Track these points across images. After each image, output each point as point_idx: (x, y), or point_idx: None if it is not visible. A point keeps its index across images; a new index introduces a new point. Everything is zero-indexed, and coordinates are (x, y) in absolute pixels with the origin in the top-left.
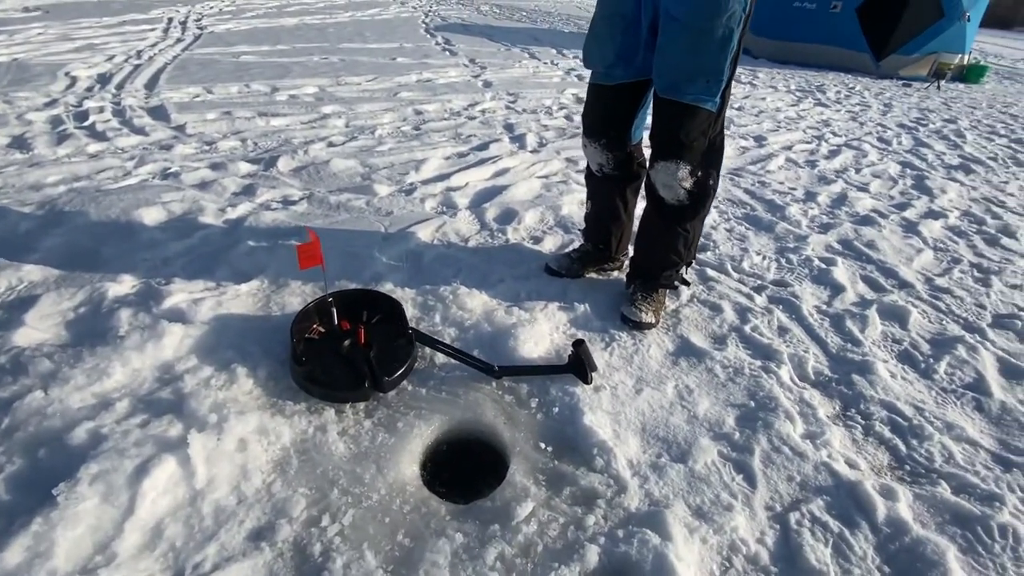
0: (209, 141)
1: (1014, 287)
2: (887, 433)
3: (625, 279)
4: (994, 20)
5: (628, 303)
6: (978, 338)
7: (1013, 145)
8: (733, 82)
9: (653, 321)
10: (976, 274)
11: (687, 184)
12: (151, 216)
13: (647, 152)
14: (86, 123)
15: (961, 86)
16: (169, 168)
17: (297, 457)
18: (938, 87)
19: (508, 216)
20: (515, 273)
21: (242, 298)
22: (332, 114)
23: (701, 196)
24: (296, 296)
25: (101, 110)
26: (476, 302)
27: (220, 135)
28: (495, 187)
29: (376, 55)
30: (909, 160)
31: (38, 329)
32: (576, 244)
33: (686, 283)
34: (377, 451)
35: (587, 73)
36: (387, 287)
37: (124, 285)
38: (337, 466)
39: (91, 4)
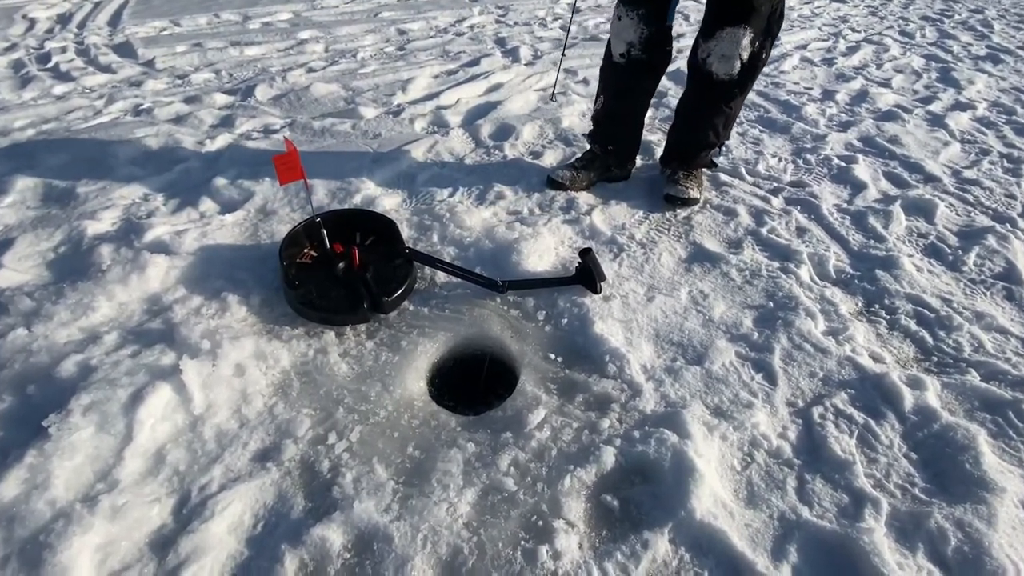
0: (181, 75)
1: None
2: (913, 326)
3: (660, 163)
4: None
5: (671, 183)
6: (1008, 227)
7: None
8: None
9: (699, 197)
10: (1006, 164)
11: (746, 54)
12: (126, 152)
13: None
14: (49, 65)
15: None
16: (141, 104)
17: (298, 379)
18: None
19: (505, 132)
20: (515, 189)
21: (228, 228)
22: (309, 39)
23: (753, 70)
24: (285, 223)
25: (64, 50)
26: (475, 219)
27: (192, 68)
28: (489, 103)
29: None
30: (934, 53)
31: (17, 271)
32: (579, 154)
33: (715, 165)
34: (382, 369)
35: None
36: (380, 208)
37: (103, 222)
38: (341, 386)
39: None
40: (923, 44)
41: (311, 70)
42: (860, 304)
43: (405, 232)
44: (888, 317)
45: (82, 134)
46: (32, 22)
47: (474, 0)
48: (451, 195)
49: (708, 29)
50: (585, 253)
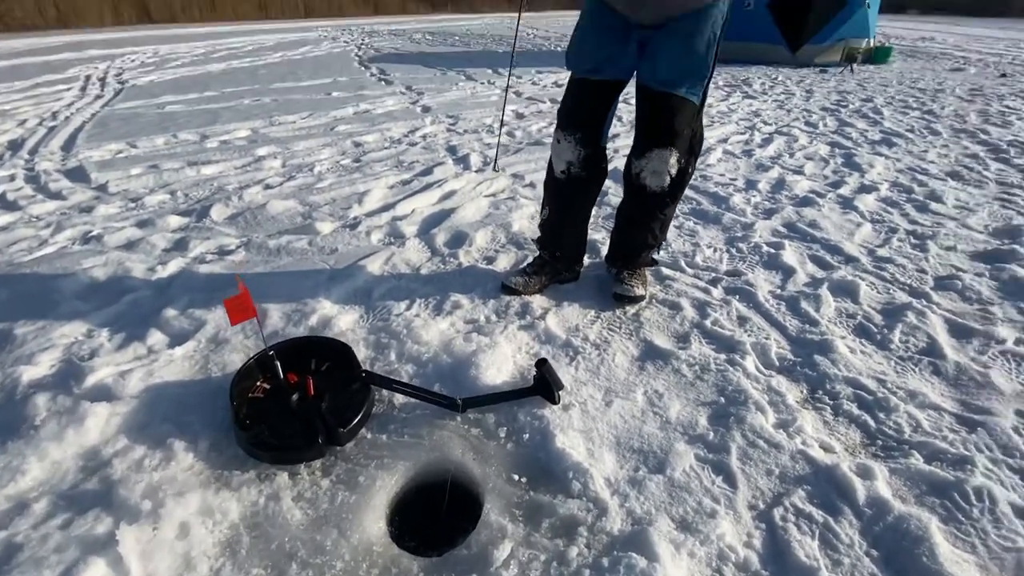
0: (134, 198)
1: (948, 248)
2: (855, 410)
3: (606, 262)
4: (888, 7)
5: (618, 282)
6: (924, 302)
7: (926, 116)
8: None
9: (645, 293)
10: (913, 240)
11: (674, 170)
12: (71, 286)
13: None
14: None
15: (872, 67)
16: (91, 232)
17: (248, 534)
18: (852, 70)
19: (459, 239)
20: (471, 297)
21: (177, 363)
22: (267, 155)
23: (681, 183)
24: (238, 353)
25: (12, 178)
26: (432, 333)
27: (146, 190)
28: (443, 211)
29: (310, 92)
30: (836, 140)
31: None
32: (530, 259)
33: (656, 262)
34: (338, 513)
35: (525, 90)
36: (336, 330)
37: (41, 366)
38: (295, 536)
39: (2, 70)
40: (826, 133)
41: (268, 187)
42: (804, 391)
43: (362, 352)
44: (831, 403)
45: (24, 268)
46: None
47: (425, 111)
48: (408, 308)
49: (639, 149)
50: (541, 364)
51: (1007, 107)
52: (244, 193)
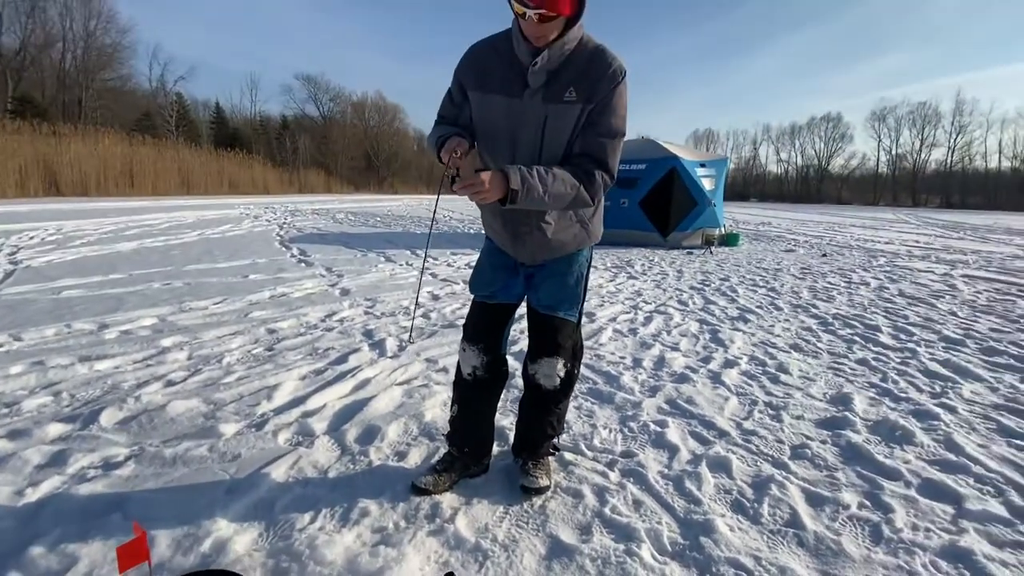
0: (10, 403)
1: (798, 418)
2: None
3: (512, 454)
4: (734, 195)
5: (524, 474)
6: (784, 472)
7: (770, 293)
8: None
9: (549, 484)
10: (770, 412)
11: (562, 373)
12: None
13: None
14: None
15: (727, 249)
16: None
17: None
18: (711, 252)
19: (370, 434)
20: (380, 501)
21: None
22: (172, 347)
23: (569, 382)
24: None
25: None
26: (337, 551)
27: (26, 392)
28: (355, 402)
29: (226, 274)
30: (704, 317)
31: None
32: (440, 452)
33: (558, 450)
34: None
35: (441, 271)
36: (232, 556)
37: None
38: None
39: None
40: (695, 310)
41: (170, 383)
42: None
43: None
44: None
45: None
46: None
47: (344, 294)
48: (312, 520)
49: (532, 355)
50: None
51: (829, 283)
52: (141, 393)
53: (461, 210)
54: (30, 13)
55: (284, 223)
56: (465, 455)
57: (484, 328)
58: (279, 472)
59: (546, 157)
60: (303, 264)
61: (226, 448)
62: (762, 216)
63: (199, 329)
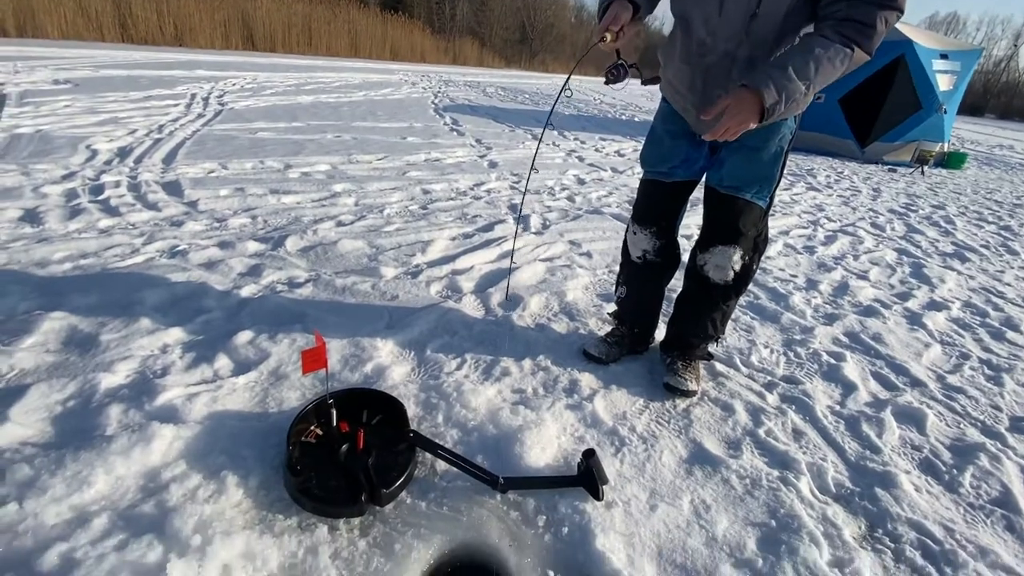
0: (220, 218)
1: None
2: (919, 559)
3: (660, 349)
4: (964, 108)
5: (671, 373)
6: (999, 445)
7: (1002, 232)
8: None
9: (697, 389)
10: (987, 371)
11: (738, 266)
12: (154, 298)
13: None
14: (100, 197)
15: (944, 171)
16: (178, 246)
17: None
18: (922, 172)
19: (513, 302)
20: (520, 365)
21: (239, 393)
22: (342, 192)
23: (745, 278)
24: (295, 391)
25: (117, 184)
26: (480, 400)
27: (231, 212)
28: (500, 270)
29: (387, 134)
30: (904, 247)
31: (22, 425)
32: (606, 328)
33: (711, 356)
34: None
35: (588, 156)
36: (390, 382)
37: (118, 375)
38: None
39: (120, 79)
40: (894, 237)
41: (340, 224)
42: (863, 527)
43: (411, 410)
44: (893, 546)
45: (116, 273)
46: (94, 153)
47: (492, 166)
48: (459, 368)
49: (704, 243)
50: (589, 455)
51: None
52: (318, 227)
53: (613, 96)
54: None
55: (438, 92)
56: (635, 335)
57: (657, 210)
58: (430, 319)
59: (766, 7)
60: (455, 133)
61: (386, 288)
62: (1000, 137)
63: (364, 180)
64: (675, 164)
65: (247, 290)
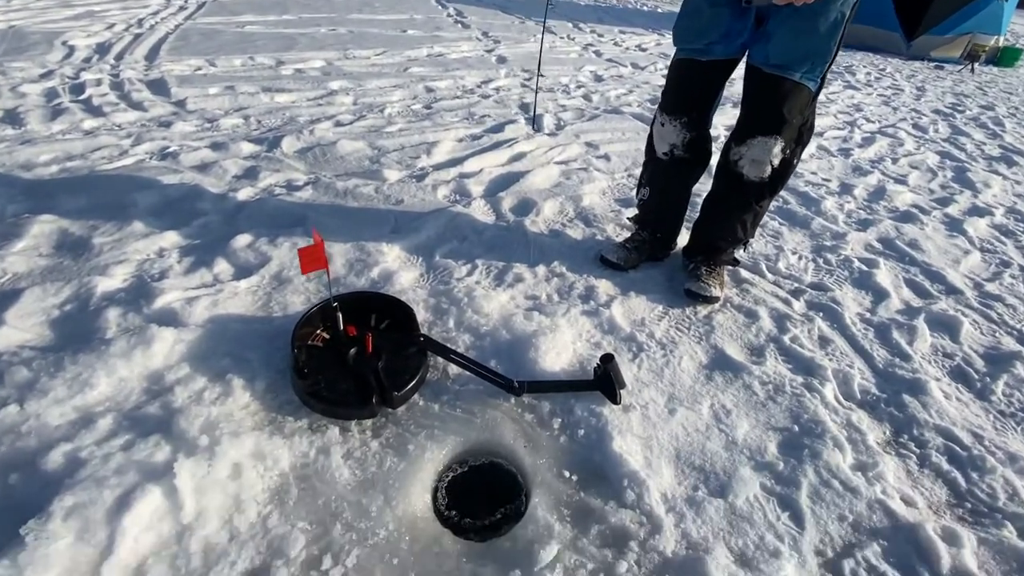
0: (210, 118)
1: None
2: (945, 464)
3: (683, 255)
4: None
5: (693, 278)
6: None
7: None
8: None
9: (720, 295)
10: None
11: (777, 160)
12: (147, 200)
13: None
14: (82, 97)
15: (995, 70)
16: (168, 148)
17: (297, 485)
18: (972, 70)
19: (525, 206)
20: (534, 271)
21: (240, 296)
22: (339, 90)
23: (783, 174)
24: (299, 295)
25: (99, 83)
26: (493, 305)
27: (222, 112)
28: (511, 174)
29: (386, 27)
30: (947, 150)
31: (19, 328)
32: (625, 234)
33: (738, 262)
34: (385, 478)
35: (606, 51)
36: (397, 287)
37: (115, 279)
38: (341, 496)
39: None
40: (937, 140)
41: (339, 124)
42: (888, 433)
43: (421, 315)
44: (918, 451)
45: (105, 176)
46: (71, 49)
47: (501, 62)
48: (469, 274)
49: (740, 135)
50: (607, 359)
51: None
52: (315, 128)
53: None
54: None
55: None
56: (656, 240)
57: (690, 96)
58: (438, 223)
59: None
60: (459, 25)
61: (390, 192)
62: None
63: (362, 77)
64: (714, 39)
65: (244, 193)
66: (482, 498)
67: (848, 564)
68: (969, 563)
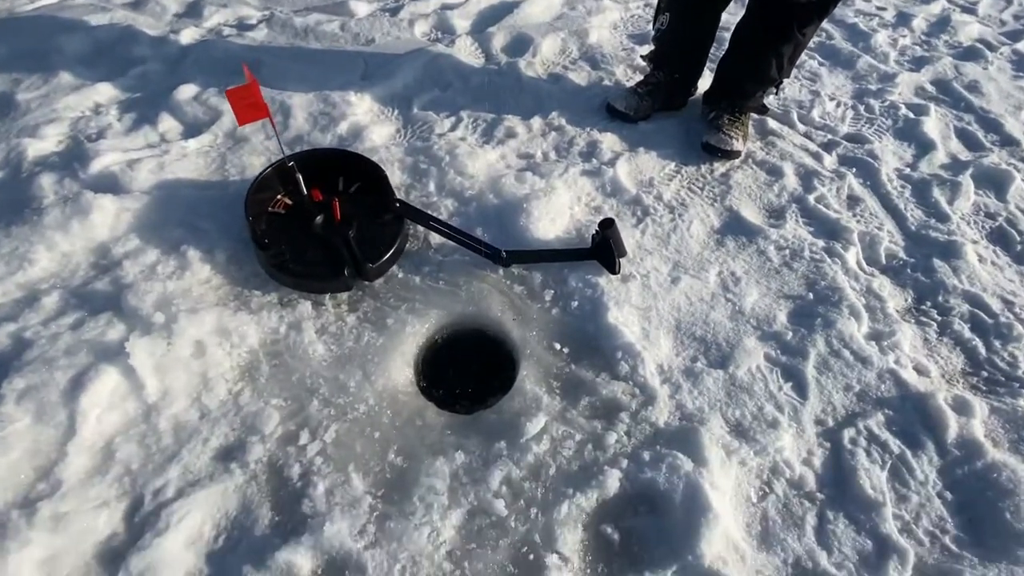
0: None
1: None
2: (967, 332)
3: (703, 103)
4: None
5: (713, 129)
6: None
7: None
8: None
9: (742, 149)
10: None
11: None
12: (74, 47)
13: None
14: None
15: None
16: None
17: (268, 361)
18: None
19: (520, 45)
20: (528, 124)
21: (191, 158)
22: None
23: None
24: (259, 156)
25: None
26: (479, 165)
27: None
28: (503, 3)
29: None
30: None
31: None
32: (637, 77)
33: (767, 109)
34: (363, 353)
35: None
36: (369, 144)
37: (47, 141)
38: (316, 372)
39: None
40: None
41: None
42: (909, 300)
43: (396, 177)
44: (939, 319)
45: (24, 19)
46: None
47: None
48: (452, 128)
49: None
50: (606, 225)
51: None
52: None
53: None
54: None
55: None
56: (674, 82)
57: None
58: (416, 67)
59: None
60: None
61: (359, 29)
62: None
63: None
64: None
65: (187, 34)
66: (468, 373)
67: (848, 433)
68: (977, 432)
